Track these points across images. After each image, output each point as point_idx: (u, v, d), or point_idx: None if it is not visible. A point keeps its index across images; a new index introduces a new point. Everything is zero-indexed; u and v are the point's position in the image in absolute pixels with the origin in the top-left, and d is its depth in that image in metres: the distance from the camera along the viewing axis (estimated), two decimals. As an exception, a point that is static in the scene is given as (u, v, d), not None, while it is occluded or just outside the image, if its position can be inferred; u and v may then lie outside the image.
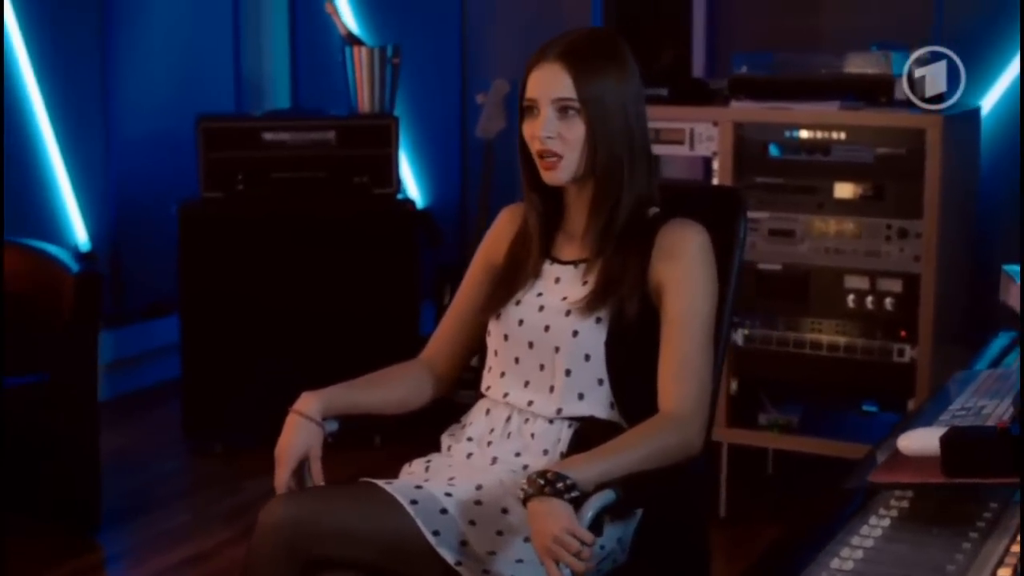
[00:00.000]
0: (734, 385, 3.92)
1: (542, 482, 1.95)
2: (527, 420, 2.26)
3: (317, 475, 2.23)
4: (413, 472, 2.28)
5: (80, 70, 4.98)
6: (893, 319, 3.74)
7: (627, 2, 4.18)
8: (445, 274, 4.86)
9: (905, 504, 1.66)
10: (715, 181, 3.91)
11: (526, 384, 2.27)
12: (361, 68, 4.70)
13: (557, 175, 2.25)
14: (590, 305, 2.22)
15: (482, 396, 2.35)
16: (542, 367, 2.25)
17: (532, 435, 2.24)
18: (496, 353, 2.33)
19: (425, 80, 5.18)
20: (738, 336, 3.88)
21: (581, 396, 2.23)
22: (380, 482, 2.10)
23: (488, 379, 2.35)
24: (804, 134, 3.84)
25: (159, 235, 4.90)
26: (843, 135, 3.79)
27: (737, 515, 3.94)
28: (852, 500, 1.69)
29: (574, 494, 1.95)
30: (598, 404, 2.23)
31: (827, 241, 3.81)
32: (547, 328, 2.25)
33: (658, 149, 4.03)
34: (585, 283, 2.26)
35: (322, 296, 4.58)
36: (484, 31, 5.15)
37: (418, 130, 5.21)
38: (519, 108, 2.29)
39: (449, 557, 2.02)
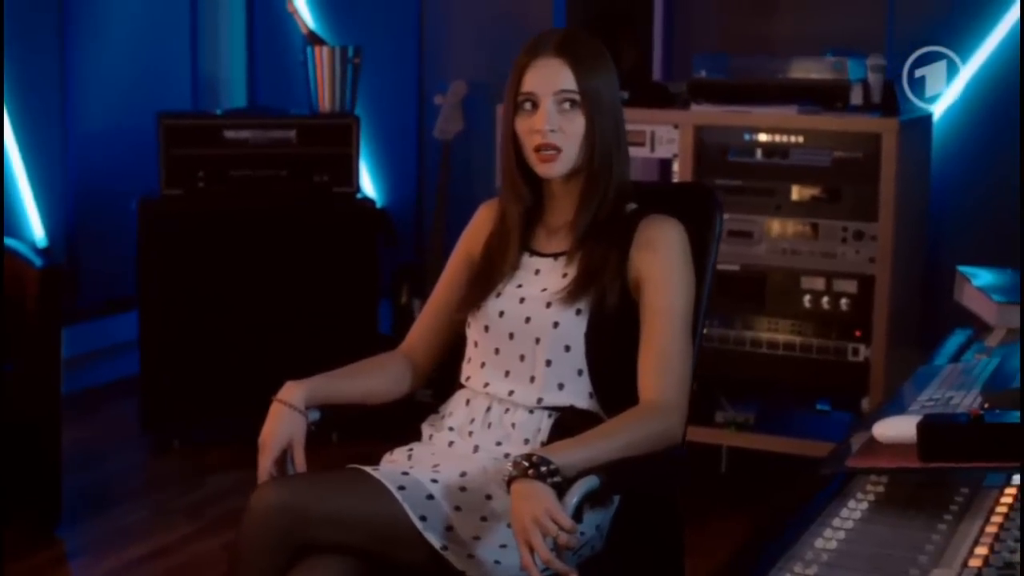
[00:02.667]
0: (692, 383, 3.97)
1: (526, 464, 1.99)
2: (507, 410, 2.29)
3: (300, 463, 2.25)
4: (395, 460, 2.31)
5: (39, 65, 4.96)
6: (848, 319, 3.82)
7: (588, 4, 4.24)
8: (403, 273, 4.90)
9: (881, 489, 1.71)
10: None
11: (507, 374, 2.31)
12: (322, 67, 4.73)
13: (555, 168, 2.29)
14: (570, 296, 2.26)
15: (462, 387, 2.38)
16: (522, 358, 2.29)
17: (513, 424, 2.27)
18: (476, 344, 2.36)
19: (383, 80, 5.21)
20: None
21: (561, 386, 2.27)
22: (368, 468, 2.13)
23: (468, 369, 2.38)
24: (763, 137, 3.91)
25: (117, 231, 4.90)
26: (801, 139, 3.87)
27: (692, 511, 3.98)
28: (830, 485, 1.74)
29: (557, 479, 1.99)
30: (577, 394, 2.27)
31: (784, 243, 3.89)
32: (528, 319, 2.29)
33: (619, 150, 4.10)
34: (565, 275, 2.30)
35: (281, 294, 4.60)
36: (442, 33, 5.19)
37: (375, 130, 5.24)
38: (508, 104, 2.31)
39: (435, 542, 2.06)
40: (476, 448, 2.28)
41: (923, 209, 4.16)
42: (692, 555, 3.64)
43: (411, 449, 2.34)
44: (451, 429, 2.34)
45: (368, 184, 5.33)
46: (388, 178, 5.37)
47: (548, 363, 2.27)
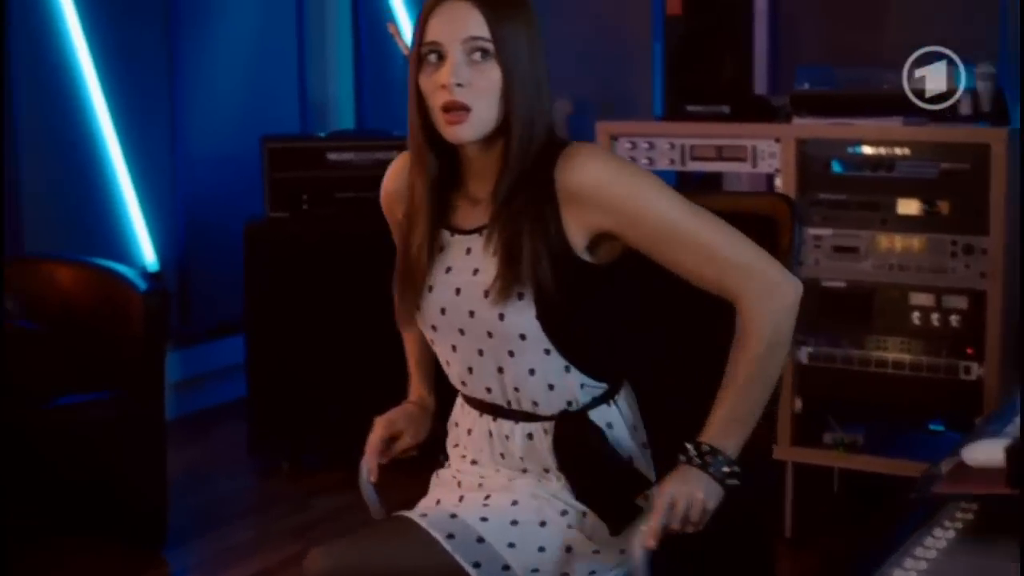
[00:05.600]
0: (799, 404, 3.89)
1: (702, 459, 1.92)
2: (495, 419, 2.11)
3: (396, 451, 2.26)
4: (442, 483, 2.20)
5: (148, 90, 5.05)
6: (959, 336, 3.71)
7: (689, 18, 4.18)
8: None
9: (970, 516, 1.64)
10: (778, 198, 3.89)
11: (470, 370, 2.09)
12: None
13: (465, 131, 1.96)
14: (503, 287, 1.97)
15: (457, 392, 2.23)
16: (481, 352, 2.05)
17: (506, 436, 2.10)
18: (434, 343, 2.14)
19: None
20: (802, 354, 3.85)
21: (532, 371, 2.03)
22: (415, 516, 2.03)
23: (448, 373, 2.17)
24: (867, 150, 3.82)
25: (225, 255, 4.95)
26: (907, 151, 3.77)
27: (804, 534, 3.91)
28: (916, 512, 1.68)
29: (735, 482, 1.92)
30: (552, 373, 2.03)
31: (891, 258, 3.79)
32: (472, 314, 2.02)
33: (720, 166, 4.05)
34: (495, 253, 2.00)
35: (387, 316, 4.59)
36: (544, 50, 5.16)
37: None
38: (412, 57, 2.00)
39: None
40: (509, 477, 2.11)
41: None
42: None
43: (458, 473, 2.18)
44: (471, 461, 2.17)
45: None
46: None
47: (511, 354, 2.02)
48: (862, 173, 3.83)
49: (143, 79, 5.03)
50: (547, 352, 2.02)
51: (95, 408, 3.80)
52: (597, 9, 4.96)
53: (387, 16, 5.41)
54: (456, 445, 2.21)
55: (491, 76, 1.95)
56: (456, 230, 2.07)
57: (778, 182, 3.90)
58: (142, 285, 3.93)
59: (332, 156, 4.64)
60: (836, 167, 3.87)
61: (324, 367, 4.59)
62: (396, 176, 2.18)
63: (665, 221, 1.96)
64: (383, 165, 4.53)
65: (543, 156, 1.99)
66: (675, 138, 4.04)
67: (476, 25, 1.94)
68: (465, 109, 1.94)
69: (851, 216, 3.83)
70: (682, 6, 4.19)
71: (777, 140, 3.89)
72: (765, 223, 2.26)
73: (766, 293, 1.96)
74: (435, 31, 1.96)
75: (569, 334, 2.02)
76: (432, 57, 1.96)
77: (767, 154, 3.90)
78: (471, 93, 1.94)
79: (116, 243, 4.92)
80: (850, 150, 3.84)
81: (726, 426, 1.95)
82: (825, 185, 3.87)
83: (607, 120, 4.25)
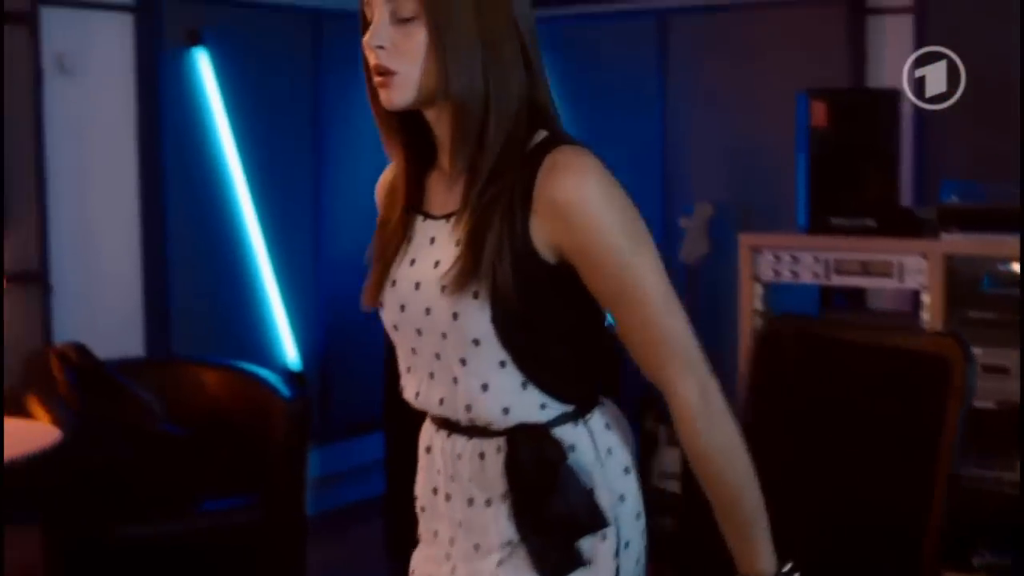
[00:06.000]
0: (946, 524, 3.78)
1: None
2: (448, 435, 1.89)
3: None
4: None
5: (293, 194, 5.15)
6: (1115, 461, 3.59)
7: (834, 129, 4.14)
8: (647, 400, 4.84)
9: None
10: (924, 315, 3.82)
11: (431, 376, 1.87)
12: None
13: (391, 96, 1.79)
14: (458, 280, 1.76)
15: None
16: (438, 356, 1.84)
17: (458, 456, 1.88)
18: (397, 346, 1.93)
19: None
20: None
21: (485, 387, 1.81)
22: None
23: (405, 384, 1.95)
24: (1017, 267, 3.73)
25: (364, 354, 5.00)
26: (1060, 268, 3.68)
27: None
28: None
29: None
30: (507, 391, 1.81)
31: (1043, 378, 3.69)
32: (428, 311, 1.81)
33: (865, 281, 3.99)
34: (458, 243, 1.80)
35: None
36: (686, 154, 5.16)
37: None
38: (361, 22, 1.85)
39: None
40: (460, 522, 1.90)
41: None
42: None
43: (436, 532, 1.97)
44: (421, 507, 1.98)
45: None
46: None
47: (463, 362, 1.81)
48: (1012, 291, 3.75)
49: (289, 184, 5.13)
50: (502, 365, 1.80)
51: (239, 513, 3.86)
52: (743, 117, 4.95)
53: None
54: (421, 507, 1.99)
55: (415, 37, 1.76)
56: (428, 215, 1.89)
57: (925, 299, 3.83)
58: (286, 391, 4.00)
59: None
60: (985, 284, 3.79)
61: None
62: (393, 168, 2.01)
63: (632, 283, 1.77)
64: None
65: (535, 151, 1.78)
66: (819, 252, 4.00)
67: None
68: (388, 73, 1.78)
69: (1001, 335, 3.74)
70: (827, 117, 4.16)
71: (924, 256, 3.82)
72: (933, 363, 2.21)
73: (704, 400, 1.79)
74: None
75: (527, 345, 1.80)
76: (369, 16, 1.81)
77: (914, 270, 3.84)
78: (394, 56, 1.77)
79: (259, 342, 5.00)
80: (1000, 267, 3.76)
81: (748, 550, 1.82)
82: (974, 302, 3.79)
83: (749, 232, 4.23)
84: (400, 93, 1.79)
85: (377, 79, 1.79)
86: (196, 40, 4.73)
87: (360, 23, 1.83)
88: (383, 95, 1.80)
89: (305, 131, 5.19)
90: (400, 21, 1.76)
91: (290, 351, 5.09)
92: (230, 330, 4.90)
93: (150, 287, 4.66)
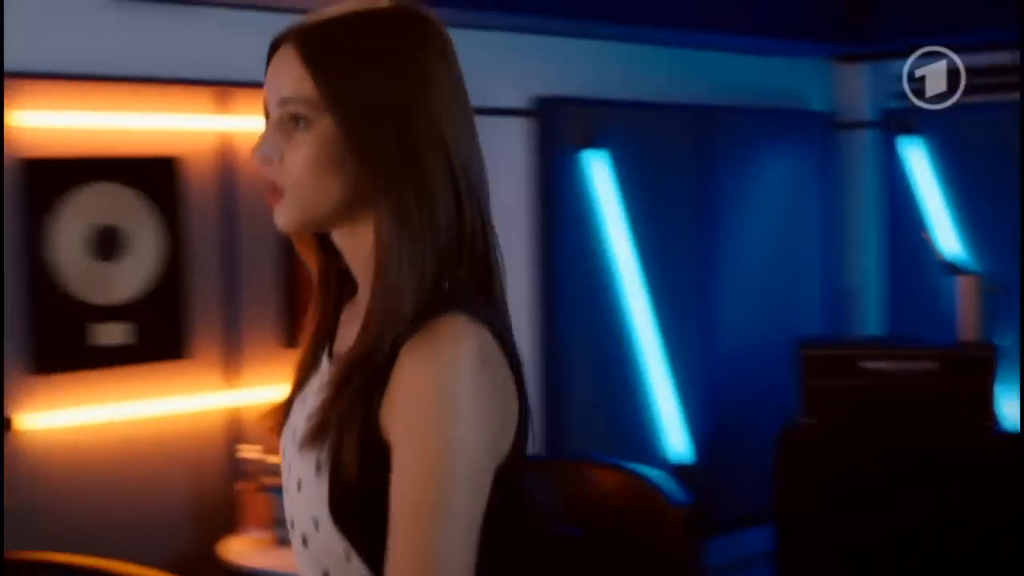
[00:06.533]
0: None
1: None
2: None
3: None
4: None
5: (682, 291, 5.22)
6: None
7: None
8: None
9: None
10: None
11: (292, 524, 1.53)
12: (963, 296, 4.62)
13: (279, 217, 1.47)
14: (304, 443, 1.43)
15: None
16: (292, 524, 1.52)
17: None
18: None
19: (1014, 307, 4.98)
20: None
21: (326, 574, 1.45)
22: None
23: None
24: None
25: (750, 447, 5.01)
26: None
27: None
28: None
29: None
30: None
31: None
32: (289, 467, 1.51)
33: None
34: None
35: (923, 523, 4.52)
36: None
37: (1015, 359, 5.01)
38: None
39: None
40: None
41: None
42: None
43: None
44: None
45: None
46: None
47: (304, 541, 1.46)
48: None
49: (677, 272, 5.21)
50: (347, 558, 1.42)
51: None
52: None
53: (921, 223, 5.35)
54: None
55: (313, 147, 1.42)
56: (331, 353, 1.55)
57: None
58: (679, 496, 4.03)
59: (864, 364, 4.61)
60: None
61: (857, 565, 4.55)
62: None
63: (416, 491, 1.35)
64: (918, 376, 4.56)
65: (424, 311, 1.39)
66: None
67: (291, 80, 1.43)
68: (277, 191, 1.45)
69: None
70: None
71: None
72: None
73: None
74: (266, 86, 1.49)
75: (373, 538, 1.38)
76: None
77: None
78: (281, 171, 1.44)
79: (648, 436, 5.09)
80: None
81: None
82: None
83: None
84: (287, 215, 1.46)
85: (268, 196, 1.47)
86: (590, 142, 4.88)
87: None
88: (274, 216, 1.47)
89: (691, 223, 5.26)
90: (293, 127, 1.43)
91: (679, 443, 5.14)
92: (617, 423, 5.01)
93: (549, 385, 4.81)
